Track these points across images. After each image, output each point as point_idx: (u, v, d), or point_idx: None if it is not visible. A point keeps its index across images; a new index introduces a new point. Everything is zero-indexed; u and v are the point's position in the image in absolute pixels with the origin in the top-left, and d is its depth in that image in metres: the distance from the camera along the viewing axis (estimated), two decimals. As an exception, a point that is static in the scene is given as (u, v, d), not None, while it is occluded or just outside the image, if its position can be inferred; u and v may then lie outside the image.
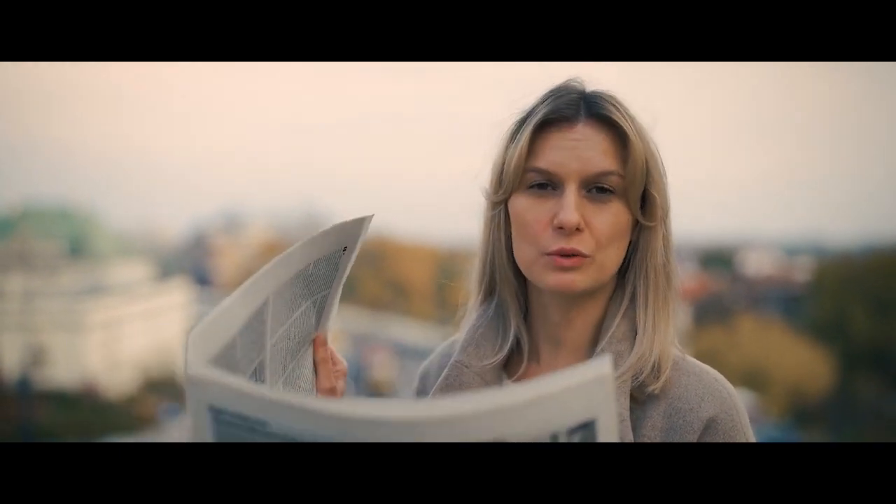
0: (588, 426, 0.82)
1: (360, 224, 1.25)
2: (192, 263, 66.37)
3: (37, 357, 33.64)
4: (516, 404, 0.80)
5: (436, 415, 0.80)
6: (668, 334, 1.33)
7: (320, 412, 0.81)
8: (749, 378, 30.70)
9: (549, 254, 1.29)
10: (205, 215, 78.10)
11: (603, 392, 0.82)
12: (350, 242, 1.25)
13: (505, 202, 1.35)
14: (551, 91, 1.35)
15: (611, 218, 1.30)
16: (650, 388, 1.28)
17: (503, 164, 1.34)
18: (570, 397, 0.81)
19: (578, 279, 1.30)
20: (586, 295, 1.34)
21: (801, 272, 47.70)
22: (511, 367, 1.41)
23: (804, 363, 34.07)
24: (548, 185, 1.31)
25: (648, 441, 1.27)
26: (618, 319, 1.33)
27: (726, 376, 1.34)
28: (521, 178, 1.32)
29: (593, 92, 1.34)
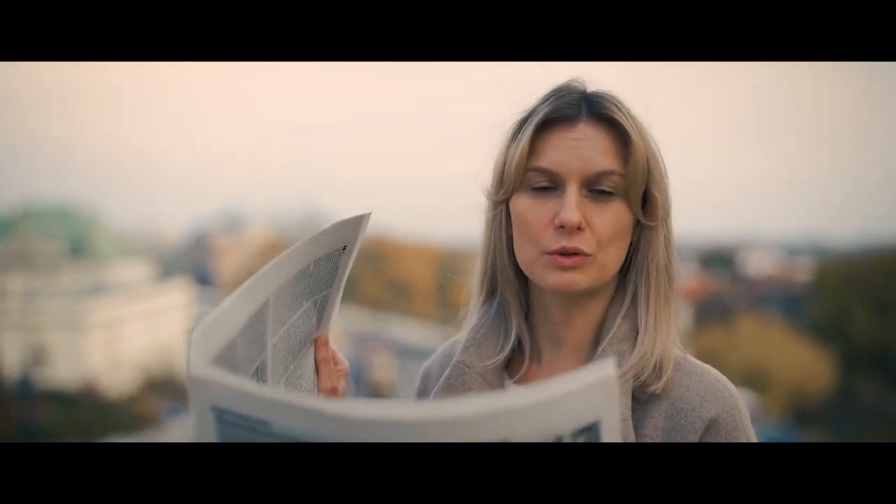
0: (592, 428, 0.82)
1: (358, 222, 1.25)
2: (193, 263, 66.39)
3: (37, 357, 33.66)
4: (521, 407, 0.80)
5: (439, 416, 0.80)
6: (669, 334, 1.33)
7: (323, 413, 0.81)
8: (750, 378, 30.70)
9: (550, 253, 1.29)
10: (205, 215, 78.19)
11: (607, 394, 0.82)
12: (349, 241, 1.25)
13: (506, 202, 1.36)
14: (552, 91, 1.35)
15: (612, 217, 1.30)
16: (652, 388, 1.28)
17: (504, 163, 1.34)
18: (575, 400, 0.81)
19: (579, 279, 1.30)
20: (587, 295, 1.34)
21: (802, 272, 47.70)
22: (512, 367, 1.41)
23: (805, 363, 34.07)
24: (549, 184, 1.31)
25: (650, 441, 1.27)
26: (619, 319, 1.33)
27: (727, 376, 1.34)
28: (523, 177, 1.32)
29: (594, 92, 1.34)
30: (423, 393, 1.52)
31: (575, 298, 1.34)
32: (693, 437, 1.26)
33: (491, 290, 1.42)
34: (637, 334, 1.32)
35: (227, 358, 0.99)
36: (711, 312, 39.08)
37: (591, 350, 1.36)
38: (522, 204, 1.32)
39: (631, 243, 1.34)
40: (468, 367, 1.38)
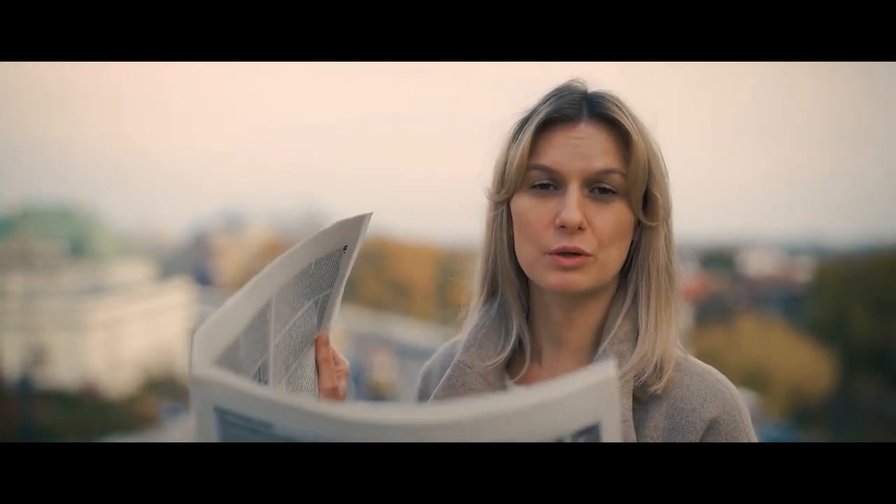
0: (593, 430, 0.82)
1: (359, 222, 1.25)
2: (193, 263, 66.39)
3: (37, 357, 33.65)
4: (521, 409, 0.80)
5: (441, 419, 0.80)
6: (670, 334, 1.33)
7: (325, 415, 0.81)
8: (750, 378, 30.71)
9: (551, 253, 1.29)
10: (205, 215, 78.21)
11: (607, 395, 0.82)
12: (350, 241, 1.25)
13: (507, 202, 1.36)
14: (553, 91, 1.35)
15: (613, 217, 1.30)
16: (652, 389, 1.28)
17: (505, 163, 1.34)
18: (575, 401, 0.81)
19: (580, 279, 1.29)
20: (588, 295, 1.34)
21: (802, 272, 47.71)
22: (513, 367, 1.41)
23: (805, 363, 34.07)
24: (550, 184, 1.31)
25: (651, 441, 1.27)
26: (620, 320, 1.33)
27: (727, 376, 1.34)
28: (524, 176, 1.32)
29: (595, 92, 1.34)
30: (423, 393, 1.52)
31: (576, 299, 1.34)
32: (694, 438, 1.26)
33: (492, 290, 1.42)
34: (638, 334, 1.32)
35: (229, 358, 0.99)
36: (711, 312, 39.08)
37: (592, 350, 1.36)
38: (523, 204, 1.32)
39: (632, 243, 1.34)
40: (469, 367, 1.38)
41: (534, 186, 1.31)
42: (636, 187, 1.31)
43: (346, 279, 1.29)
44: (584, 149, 1.30)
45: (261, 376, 1.11)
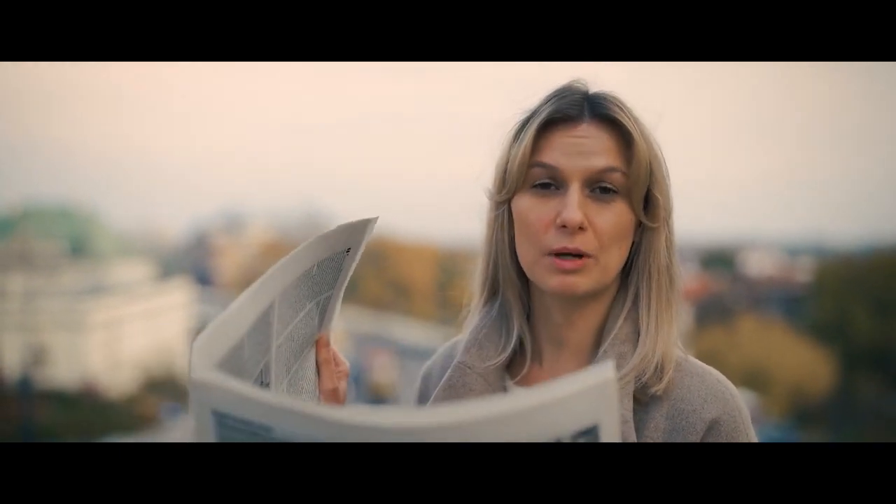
0: (591, 431, 0.82)
1: (364, 225, 1.25)
2: (193, 263, 66.39)
3: (37, 357, 33.66)
4: (519, 411, 0.80)
5: (439, 422, 0.80)
6: (670, 335, 1.33)
7: (325, 419, 0.81)
8: (750, 378, 30.71)
9: (551, 253, 1.29)
10: (205, 215, 78.20)
11: (606, 397, 0.82)
12: (354, 244, 1.25)
13: (508, 202, 1.35)
14: (555, 92, 1.35)
15: (614, 218, 1.30)
16: (653, 390, 1.28)
17: (507, 163, 1.34)
18: (574, 403, 0.81)
19: (580, 282, 1.29)
20: (589, 296, 1.33)
21: (802, 273, 47.71)
22: (514, 368, 1.41)
23: (805, 364, 34.07)
24: (551, 184, 1.31)
25: (651, 442, 1.27)
26: (620, 321, 1.33)
27: (727, 377, 1.34)
28: (525, 175, 1.32)
29: (597, 93, 1.34)
30: (423, 394, 1.52)
31: (576, 300, 1.34)
32: (694, 439, 1.26)
33: (492, 290, 1.42)
34: (638, 336, 1.32)
35: (233, 360, 0.99)
36: (712, 313, 39.08)
37: (593, 351, 1.36)
38: (524, 203, 1.32)
39: (632, 245, 1.34)
40: (469, 367, 1.38)
41: (535, 186, 1.31)
42: (637, 188, 1.31)
43: (347, 280, 1.29)
44: (585, 148, 1.30)
45: (263, 378, 1.11)
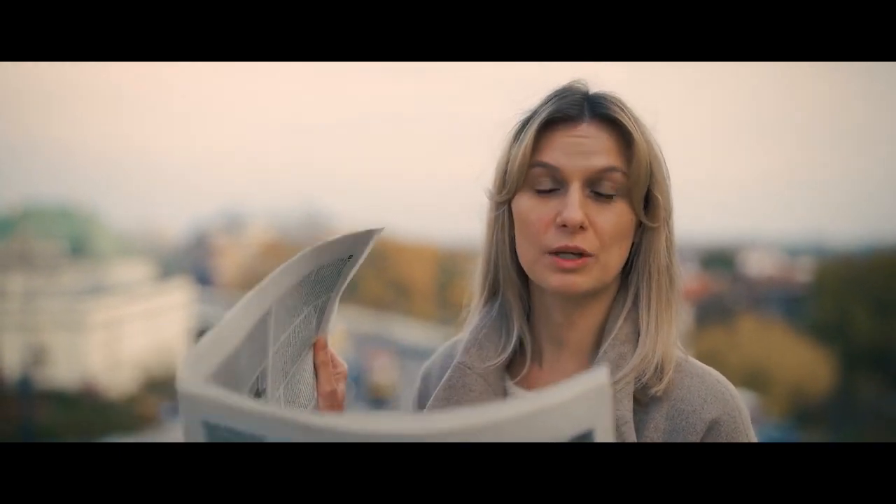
0: (586, 437, 0.82)
1: (369, 235, 1.25)
2: (193, 263, 66.38)
3: (37, 357, 33.65)
4: (514, 417, 0.80)
5: (433, 429, 0.80)
6: (670, 335, 1.33)
7: (317, 428, 0.81)
8: (750, 378, 30.70)
9: (552, 252, 1.29)
10: (205, 215, 78.22)
11: (600, 402, 0.82)
12: (356, 251, 1.25)
13: (508, 203, 1.35)
14: (555, 92, 1.35)
15: (614, 217, 1.30)
16: (653, 390, 1.28)
17: (507, 163, 1.34)
18: (568, 409, 0.81)
19: (581, 281, 1.29)
20: (589, 296, 1.34)
21: (803, 273, 47.70)
22: (514, 368, 1.41)
23: (805, 364, 34.07)
24: (552, 184, 1.31)
25: (651, 443, 1.27)
26: (620, 321, 1.33)
27: (727, 377, 1.34)
28: (526, 175, 1.32)
29: (597, 93, 1.34)
30: (423, 394, 1.52)
31: (577, 300, 1.34)
32: (694, 439, 1.26)
33: (493, 291, 1.42)
34: (638, 336, 1.32)
35: (228, 370, 0.99)
36: (712, 313, 39.07)
37: (593, 352, 1.36)
38: (525, 203, 1.32)
39: (632, 245, 1.34)
40: (469, 368, 1.38)
41: (536, 189, 1.32)
42: (638, 187, 1.31)
43: (346, 285, 1.29)
44: (585, 147, 1.30)
45: (259, 384, 1.11)
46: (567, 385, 0.81)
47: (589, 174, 1.29)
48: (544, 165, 1.30)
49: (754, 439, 1.30)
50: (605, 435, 0.83)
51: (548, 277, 1.30)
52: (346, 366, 1.35)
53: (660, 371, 1.29)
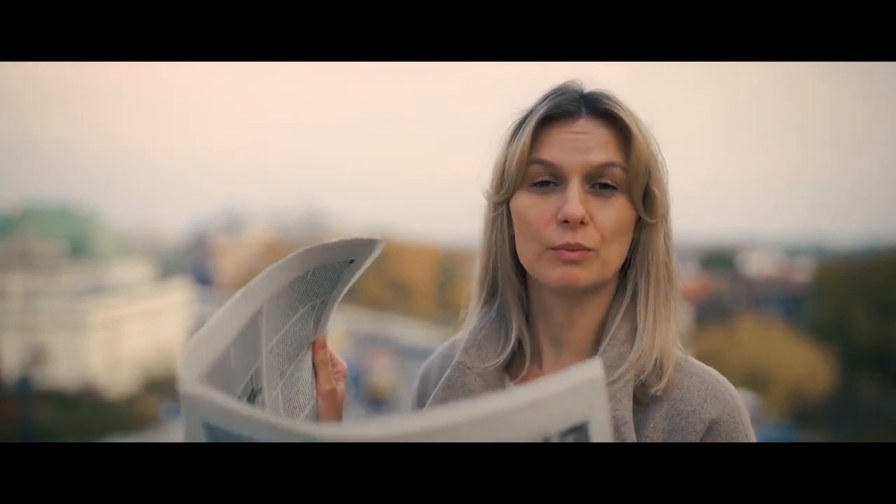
0: (580, 429, 0.82)
1: (370, 245, 1.24)
2: (193, 263, 66.39)
3: (37, 357, 33.65)
4: (507, 410, 0.80)
5: (426, 427, 0.79)
6: (669, 332, 1.32)
7: (313, 436, 0.81)
8: (750, 379, 30.70)
9: (554, 249, 1.29)
10: (205, 215, 78.21)
11: (594, 394, 0.82)
12: (358, 257, 1.25)
13: (507, 202, 1.35)
14: (551, 90, 1.35)
15: (614, 213, 1.30)
16: (653, 389, 1.28)
17: (505, 162, 1.34)
18: (561, 401, 0.81)
19: (583, 274, 1.29)
20: (589, 294, 1.33)
21: (802, 273, 47.69)
22: (513, 368, 1.40)
23: (805, 364, 34.06)
24: (550, 181, 1.31)
25: (651, 443, 1.27)
26: (618, 320, 1.33)
27: (727, 377, 1.34)
28: (524, 173, 1.32)
29: (593, 90, 1.34)
30: (422, 393, 1.52)
31: (577, 298, 1.34)
32: (694, 439, 1.26)
33: (491, 292, 1.42)
34: (636, 334, 1.32)
35: (220, 370, 0.99)
36: (711, 313, 39.06)
37: (593, 351, 1.35)
38: (524, 202, 1.32)
39: (631, 241, 1.34)
40: (468, 367, 1.38)
41: (534, 184, 1.31)
42: (637, 183, 1.31)
43: (346, 288, 1.29)
44: (584, 143, 1.30)
45: (254, 384, 1.11)
46: (560, 377, 0.81)
47: (588, 170, 1.29)
48: (543, 163, 1.30)
49: (754, 439, 1.30)
50: (599, 427, 0.83)
51: (550, 272, 1.30)
52: (345, 365, 1.35)
53: (659, 368, 1.29)
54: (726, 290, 47.06)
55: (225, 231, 71.15)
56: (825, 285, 39.06)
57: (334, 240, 1.19)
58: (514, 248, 1.36)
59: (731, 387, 1.32)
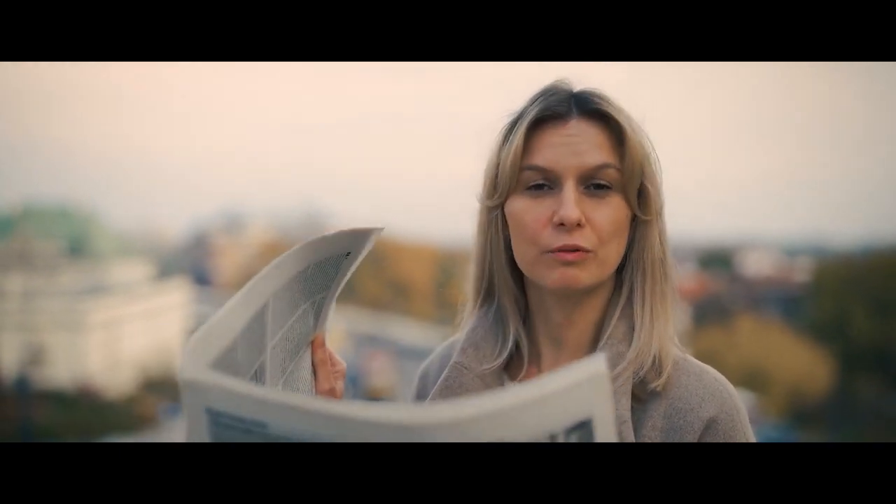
0: (585, 425, 0.82)
1: (367, 234, 1.24)
2: (193, 263, 66.34)
3: (36, 357, 33.65)
4: (512, 407, 0.80)
5: (434, 419, 0.79)
6: (667, 328, 1.32)
7: (320, 413, 0.81)
8: (748, 378, 30.69)
9: (551, 252, 1.29)
10: (205, 215, 78.17)
11: (598, 390, 0.82)
12: (354, 248, 1.25)
13: (501, 206, 1.35)
14: (540, 92, 1.35)
15: (611, 213, 1.30)
16: (652, 385, 1.28)
17: (497, 166, 1.34)
18: (566, 397, 0.81)
19: (582, 275, 1.29)
20: (587, 293, 1.33)
21: (801, 273, 47.68)
22: (512, 368, 1.40)
23: (804, 364, 34.07)
24: (545, 184, 1.30)
25: (648, 442, 1.27)
26: (615, 319, 1.33)
27: (726, 377, 1.34)
28: (518, 178, 1.31)
29: (583, 90, 1.34)
30: (420, 394, 1.52)
31: (575, 298, 1.34)
32: (691, 438, 1.26)
33: (488, 294, 1.41)
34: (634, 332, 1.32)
35: (227, 361, 0.99)
36: (710, 313, 39.06)
37: (591, 349, 1.35)
38: (519, 205, 1.32)
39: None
40: (466, 368, 1.38)
41: (529, 188, 1.31)
42: (632, 181, 1.31)
43: (344, 282, 1.29)
44: (577, 146, 1.29)
45: (258, 378, 1.11)
46: (564, 373, 0.81)
47: (582, 172, 1.29)
48: (536, 168, 1.30)
49: (752, 438, 1.30)
50: (603, 423, 0.83)
51: (549, 274, 1.30)
52: (344, 364, 1.35)
53: (658, 365, 1.29)
54: (725, 289, 47.06)
55: (225, 231, 71.12)
56: (824, 285, 39.05)
57: (331, 231, 1.19)
58: (510, 250, 1.36)
59: (729, 385, 1.32)
